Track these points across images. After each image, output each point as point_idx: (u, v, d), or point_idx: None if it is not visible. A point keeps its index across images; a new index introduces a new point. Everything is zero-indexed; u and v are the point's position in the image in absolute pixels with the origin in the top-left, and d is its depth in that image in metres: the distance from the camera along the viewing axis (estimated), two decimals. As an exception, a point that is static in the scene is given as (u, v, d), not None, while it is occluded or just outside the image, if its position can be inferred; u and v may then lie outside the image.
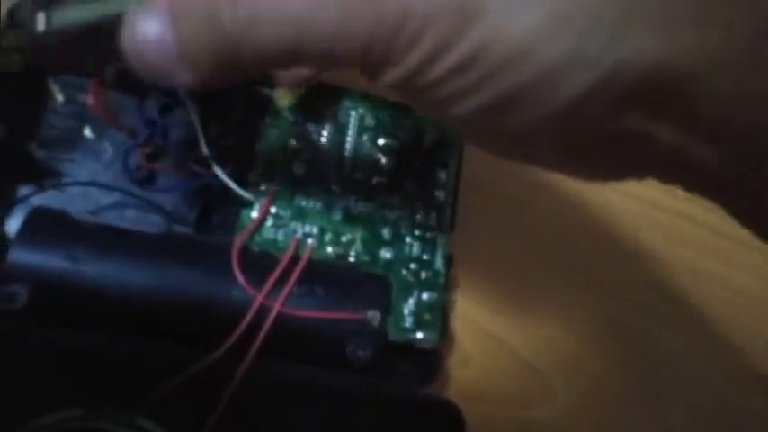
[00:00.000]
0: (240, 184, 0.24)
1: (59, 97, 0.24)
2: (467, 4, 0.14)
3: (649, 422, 0.29)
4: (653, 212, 0.32)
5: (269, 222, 0.24)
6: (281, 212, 0.24)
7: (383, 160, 0.26)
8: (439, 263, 0.25)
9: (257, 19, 0.15)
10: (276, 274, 0.22)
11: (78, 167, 0.24)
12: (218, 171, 0.23)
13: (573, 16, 0.13)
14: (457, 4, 0.14)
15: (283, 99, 0.25)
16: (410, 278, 0.25)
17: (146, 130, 0.24)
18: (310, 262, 0.23)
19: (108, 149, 0.24)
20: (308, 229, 0.24)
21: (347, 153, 0.26)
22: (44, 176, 0.23)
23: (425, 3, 0.14)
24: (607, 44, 0.13)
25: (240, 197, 0.24)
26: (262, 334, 0.21)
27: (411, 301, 0.24)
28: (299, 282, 0.22)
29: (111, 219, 0.23)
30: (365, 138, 0.26)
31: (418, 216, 0.26)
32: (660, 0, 0.13)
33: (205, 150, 0.23)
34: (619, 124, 0.15)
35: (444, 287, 0.25)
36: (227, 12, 0.15)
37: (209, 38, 0.15)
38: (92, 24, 0.18)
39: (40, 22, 0.18)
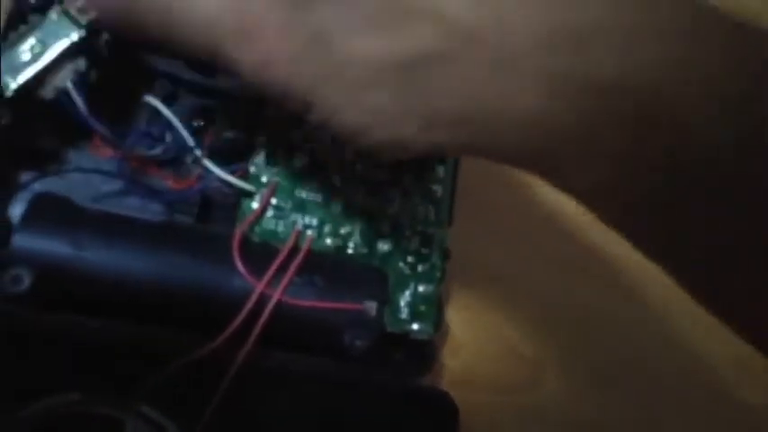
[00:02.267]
0: (241, 175, 0.24)
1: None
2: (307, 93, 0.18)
3: (640, 411, 0.30)
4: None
5: (269, 213, 0.24)
6: (282, 203, 0.24)
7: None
8: (436, 256, 0.26)
9: None
10: (276, 263, 0.22)
11: (80, 155, 0.24)
12: (215, 170, 0.23)
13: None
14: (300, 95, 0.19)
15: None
16: (407, 271, 0.25)
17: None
18: (309, 253, 0.23)
19: (110, 138, 0.24)
20: (307, 220, 0.25)
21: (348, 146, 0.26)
22: (47, 163, 0.24)
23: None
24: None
25: (241, 188, 0.24)
26: (261, 322, 0.22)
27: (407, 293, 0.25)
28: (299, 272, 0.23)
29: (112, 206, 0.23)
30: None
31: (417, 210, 0.26)
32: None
33: (198, 153, 0.23)
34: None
35: (440, 280, 0.25)
36: None
37: None
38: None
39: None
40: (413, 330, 0.24)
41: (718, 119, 0.16)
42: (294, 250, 0.23)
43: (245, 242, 0.23)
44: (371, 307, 0.23)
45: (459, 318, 0.28)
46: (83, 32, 0.20)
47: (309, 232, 0.24)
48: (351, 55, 0.18)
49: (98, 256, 0.21)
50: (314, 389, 0.22)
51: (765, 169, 0.17)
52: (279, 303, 0.22)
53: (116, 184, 0.24)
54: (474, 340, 0.28)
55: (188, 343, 0.21)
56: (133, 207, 0.24)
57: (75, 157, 0.24)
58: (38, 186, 0.23)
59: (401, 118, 0.18)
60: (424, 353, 0.25)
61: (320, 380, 0.22)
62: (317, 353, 0.23)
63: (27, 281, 0.20)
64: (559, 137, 0.17)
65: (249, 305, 0.22)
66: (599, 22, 0.17)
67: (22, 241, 0.21)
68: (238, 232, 0.23)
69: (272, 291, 0.22)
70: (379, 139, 0.19)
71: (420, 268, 0.25)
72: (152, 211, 0.24)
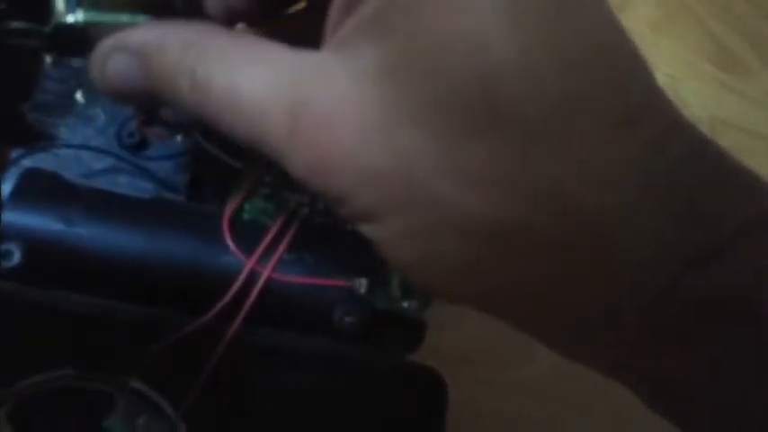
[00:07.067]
0: (233, 153, 0.24)
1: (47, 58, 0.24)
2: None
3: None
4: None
5: (260, 191, 0.24)
6: (273, 181, 0.24)
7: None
8: (426, 234, 0.26)
9: None
10: (266, 240, 0.22)
11: (71, 132, 0.24)
12: (207, 145, 0.23)
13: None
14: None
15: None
16: (398, 248, 0.25)
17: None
18: (300, 229, 0.23)
19: (100, 115, 0.24)
20: (298, 198, 0.25)
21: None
22: (36, 140, 0.24)
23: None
24: None
25: (231, 166, 0.24)
26: (251, 299, 0.22)
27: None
28: (289, 249, 0.23)
29: (102, 184, 0.23)
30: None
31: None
32: None
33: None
34: None
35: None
36: None
37: None
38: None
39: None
40: (403, 308, 0.24)
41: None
42: (284, 227, 0.23)
43: (236, 220, 0.23)
44: (361, 283, 0.23)
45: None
46: None
47: (300, 209, 0.24)
48: (447, 215, 0.15)
49: (88, 232, 0.21)
50: (303, 365, 0.22)
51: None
52: (269, 280, 0.22)
53: (106, 161, 0.24)
54: (465, 316, 0.28)
55: (178, 319, 0.21)
56: (123, 184, 0.24)
57: (65, 134, 0.24)
58: (27, 162, 0.23)
59: (466, 282, 0.16)
60: (414, 329, 0.25)
61: (310, 356, 0.23)
62: (306, 329, 0.23)
63: (17, 256, 0.20)
64: None
65: (239, 282, 0.22)
66: None
67: (12, 217, 0.21)
68: (229, 209, 0.23)
69: (262, 267, 0.22)
70: (428, 285, 0.17)
71: (410, 246, 0.25)
72: (142, 190, 0.24)
